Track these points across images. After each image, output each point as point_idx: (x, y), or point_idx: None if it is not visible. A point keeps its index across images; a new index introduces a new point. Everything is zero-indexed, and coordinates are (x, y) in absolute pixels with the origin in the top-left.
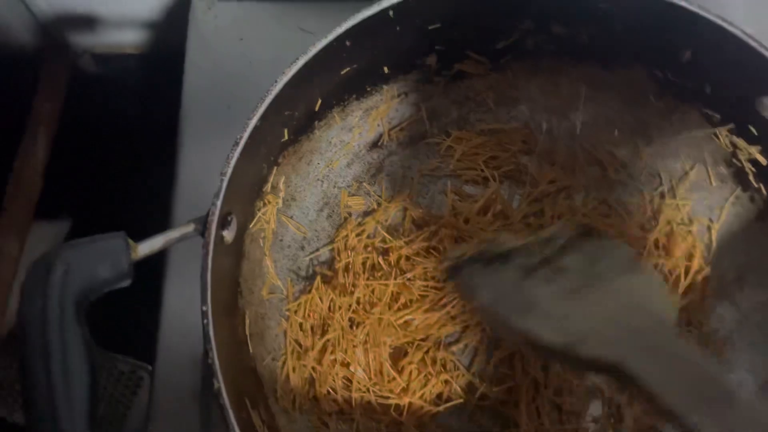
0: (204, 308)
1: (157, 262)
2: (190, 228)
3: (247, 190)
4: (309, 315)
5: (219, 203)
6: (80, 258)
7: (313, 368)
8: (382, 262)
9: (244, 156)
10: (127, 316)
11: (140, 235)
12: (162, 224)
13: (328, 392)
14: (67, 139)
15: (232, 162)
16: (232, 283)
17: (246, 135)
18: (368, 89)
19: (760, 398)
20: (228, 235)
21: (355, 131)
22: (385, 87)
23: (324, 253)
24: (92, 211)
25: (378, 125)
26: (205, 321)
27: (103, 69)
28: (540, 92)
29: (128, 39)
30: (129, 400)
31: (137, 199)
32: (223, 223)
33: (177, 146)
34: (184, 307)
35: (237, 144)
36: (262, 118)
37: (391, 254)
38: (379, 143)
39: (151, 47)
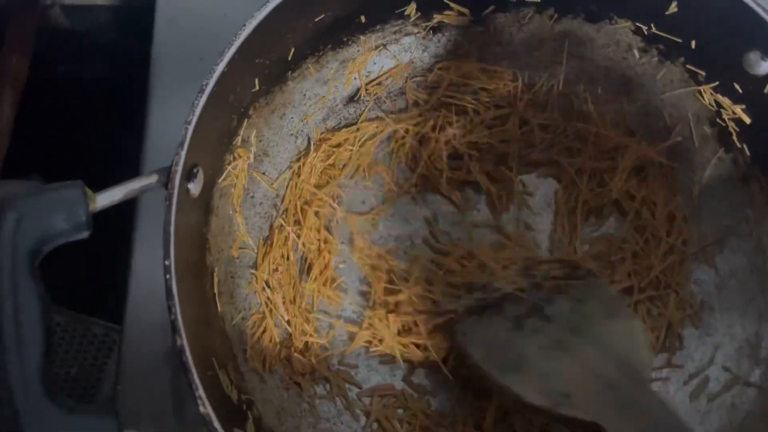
0: (167, 263)
1: (127, 222)
2: (152, 179)
3: (215, 142)
4: (275, 270)
5: (183, 153)
6: (34, 207)
7: (288, 322)
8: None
9: (211, 104)
10: (99, 277)
11: None
12: None
13: (301, 352)
14: (35, 95)
15: (198, 110)
16: (199, 240)
17: (212, 81)
18: (344, 39)
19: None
20: (194, 188)
21: (331, 84)
22: (362, 38)
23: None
24: (62, 169)
25: (355, 78)
26: (168, 276)
27: (73, 21)
28: (523, 48)
29: None
30: (102, 363)
31: (108, 156)
32: (189, 175)
33: (147, 101)
34: (154, 267)
35: (203, 90)
36: (230, 63)
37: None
38: (356, 98)
39: None
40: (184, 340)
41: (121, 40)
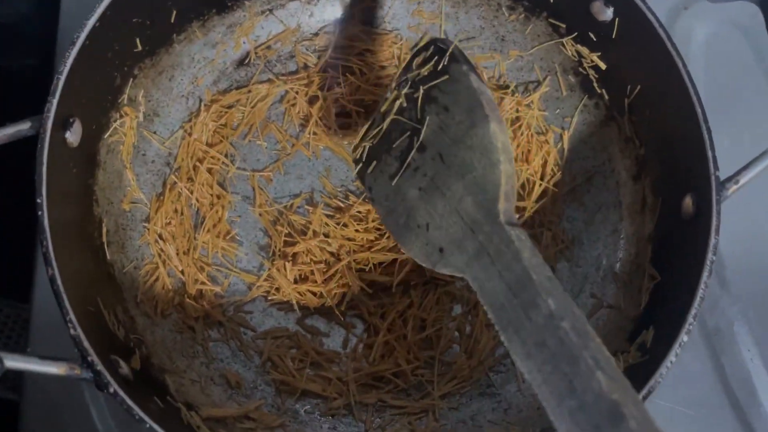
0: (39, 200)
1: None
2: (26, 125)
3: (94, 97)
4: (168, 224)
5: (55, 101)
6: None
7: (182, 271)
8: None
9: (85, 59)
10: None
11: None
12: None
13: (195, 299)
14: None
15: (69, 61)
16: (84, 188)
17: (83, 35)
18: (229, 4)
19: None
20: (71, 137)
21: (220, 48)
22: (247, 2)
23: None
24: None
25: (243, 42)
26: (40, 212)
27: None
28: (404, 9)
29: None
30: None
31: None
32: (65, 125)
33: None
34: None
35: (74, 43)
36: (102, 18)
37: None
38: (246, 61)
39: None
40: (55, 270)
41: (40, 28)
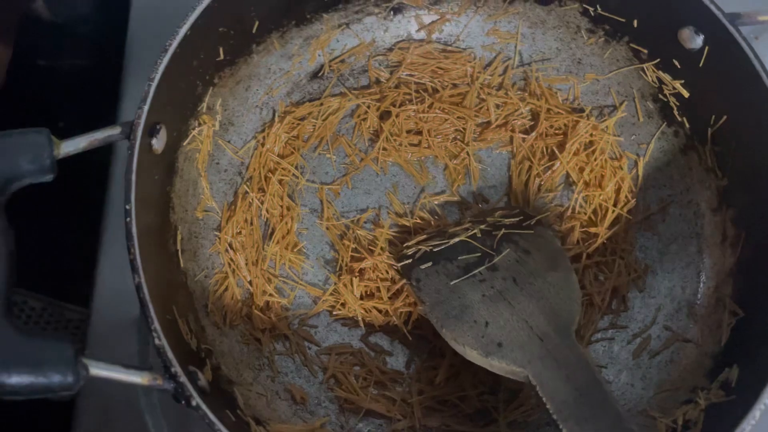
0: (127, 207)
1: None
2: (116, 131)
3: (179, 104)
4: (238, 233)
5: (146, 108)
6: (1, 147)
7: (250, 282)
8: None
9: (174, 66)
10: (70, 264)
11: None
12: None
13: (262, 310)
14: (16, 89)
15: (161, 68)
16: (163, 196)
17: (175, 42)
18: (308, 16)
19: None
20: (157, 144)
21: (295, 60)
22: (325, 15)
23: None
24: None
25: (319, 55)
26: (128, 219)
27: (56, 14)
28: (479, 28)
29: None
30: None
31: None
32: (152, 131)
33: (120, 86)
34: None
35: (166, 50)
36: (193, 28)
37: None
38: (320, 74)
39: None
40: (141, 278)
41: (101, 30)
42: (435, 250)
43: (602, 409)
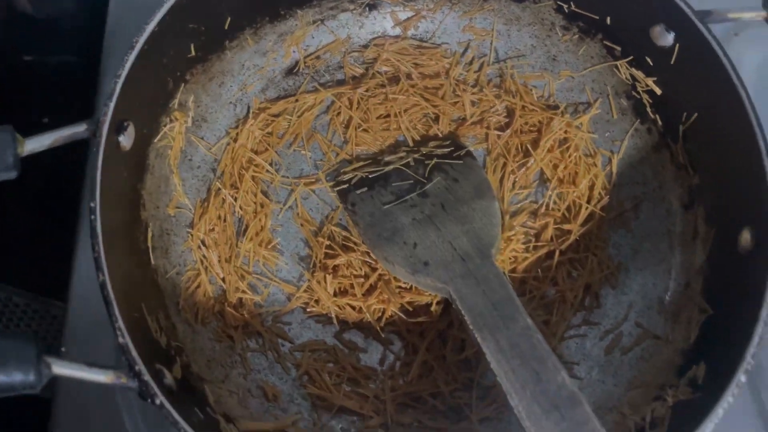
0: (92, 204)
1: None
2: (82, 128)
3: (148, 101)
4: (211, 230)
5: (112, 105)
6: None
7: (223, 279)
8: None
9: (142, 63)
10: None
11: None
12: None
13: (235, 307)
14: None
15: (127, 65)
16: (133, 193)
17: (142, 39)
18: (282, 12)
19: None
20: (125, 141)
21: (270, 56)
22: (299, 12)
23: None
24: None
25: (293, 52)
26: (93, 216)
27: (38, 9)
28: (455, 25)
29: None
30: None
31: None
32: (119, 128)
33: (99, 79)
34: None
35: (133, 47)
36: (161, 23)
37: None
38: (295, 70)
39: None
40: (106, 276)
41: (83, 25)
42: (370, 176)
43: (513, 319)
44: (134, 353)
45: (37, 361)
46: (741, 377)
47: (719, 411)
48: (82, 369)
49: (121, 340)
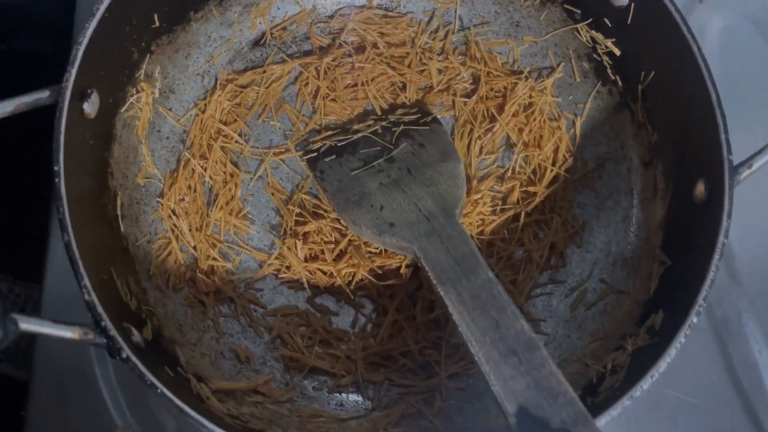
0: (56, 167)
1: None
2: (44, 94)
3: (112, 70)
4: (181, 200)
5: (74, 71)
6: None
7: (194, 247)
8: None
9: (103, 31)
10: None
11: None
12: None
13: (206, 274)
14: None
15: (88, 32)
16: (99, 161)
17: (103, 7)
18: None
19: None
20: (89, 108)
21: (236, 27)
22: None
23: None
24: None
25: (260, 23)
26: (57, 179)
27: None
28: None
29: None
30: None
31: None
32: (82, 95)
33: None
34: None
35: (93, 15)
36: None
37: None
38: (262, 42)
39: None
40: (71, 236)
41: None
42: (339, 144)
43: (475, 273)
44: (100, 309)
45: (3, 318)
46: (693, 318)
47: (672, 351)
48: (49, 326)
49: (87, 297)
